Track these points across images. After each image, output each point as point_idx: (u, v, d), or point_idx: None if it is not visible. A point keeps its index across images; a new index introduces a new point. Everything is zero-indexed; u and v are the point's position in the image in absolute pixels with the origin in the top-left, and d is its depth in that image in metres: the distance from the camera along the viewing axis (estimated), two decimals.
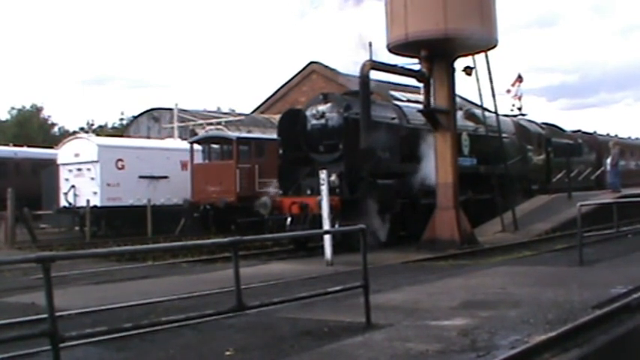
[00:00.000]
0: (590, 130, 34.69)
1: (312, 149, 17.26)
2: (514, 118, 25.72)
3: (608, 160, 24.88)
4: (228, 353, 5.92)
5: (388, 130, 16.92)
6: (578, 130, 33.15)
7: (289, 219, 16.10)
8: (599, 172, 30.54)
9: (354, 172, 16.24)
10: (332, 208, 15.18)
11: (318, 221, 15.17)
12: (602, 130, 37.58)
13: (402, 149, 17.62)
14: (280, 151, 18.00)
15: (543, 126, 28.11)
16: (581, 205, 12.27)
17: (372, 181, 16.22)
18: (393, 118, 17.98)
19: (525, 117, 29.80)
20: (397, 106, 19.16)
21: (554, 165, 26.80)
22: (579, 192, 23.30)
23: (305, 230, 14.89)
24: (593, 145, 31.96)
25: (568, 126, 33.37)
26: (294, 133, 17.42)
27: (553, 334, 6.04)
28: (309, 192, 16.71)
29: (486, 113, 21.20)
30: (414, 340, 6.09)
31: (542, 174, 25.98)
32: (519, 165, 22.89)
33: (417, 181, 17.17)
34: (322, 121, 17.03)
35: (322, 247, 14.23)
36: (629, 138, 38.88)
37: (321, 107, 17.15)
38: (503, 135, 20.39)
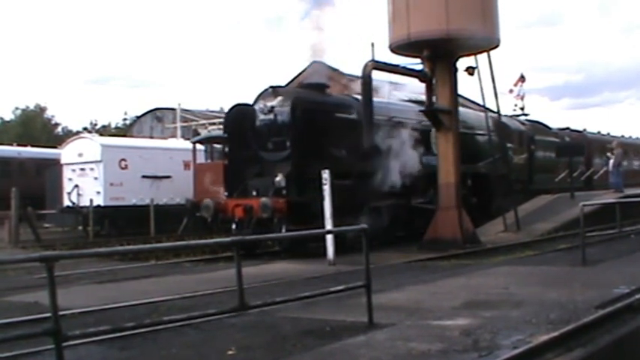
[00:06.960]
0: (580, 128, 33.41)
1: (260, 147, 15.94)
2: (493, 115, 24.03)
3: (611, 161, 24.79)
4: (230, 352, 5.93)
5: (344, 127, 15.86)
6: (567, 128, 31.77)
7: (234, 224, 15.11)
8: (601, 172, 30.01)
9: (304, 171, 14.78)
10: (276, 211, 14.37)
11: (262, 225, 14.32)
12: (603, 130, 36.84)
13: (361, 147, 15.51)
14: (226, 149, 16.91)
15: (526, 123, 26.86)
16: (584, 205, 12.24)
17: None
18: (351, 113, 16.50)
19: (516, 116, 29.01)
20: (356, 99, 16.86)
21: (537, 164, 25.58)
22: (579, 192, 23.04)
23: (249, 235, 13.43)
24: (582, 143, 30.24)
25: (571, 126, 32.97)
26: (243, 129, 16.12)
27: (556, 334, 6.02)
28: (254, 193, 15.55)
29: (461, 109, 20.66)
30: (416, 340, 6.09)
31: (523, 174, 24.45)
32: (498, 164, 21.10)
33: (380, 181, 16.09)
34: (270, 116, 15.69)
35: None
36: (623, 136, 38.29)
37: (270, 101, 15.78)
38: (478, 132, 19.52)
